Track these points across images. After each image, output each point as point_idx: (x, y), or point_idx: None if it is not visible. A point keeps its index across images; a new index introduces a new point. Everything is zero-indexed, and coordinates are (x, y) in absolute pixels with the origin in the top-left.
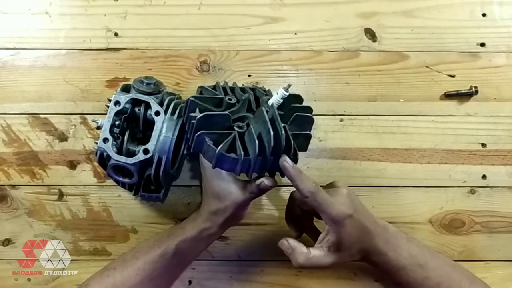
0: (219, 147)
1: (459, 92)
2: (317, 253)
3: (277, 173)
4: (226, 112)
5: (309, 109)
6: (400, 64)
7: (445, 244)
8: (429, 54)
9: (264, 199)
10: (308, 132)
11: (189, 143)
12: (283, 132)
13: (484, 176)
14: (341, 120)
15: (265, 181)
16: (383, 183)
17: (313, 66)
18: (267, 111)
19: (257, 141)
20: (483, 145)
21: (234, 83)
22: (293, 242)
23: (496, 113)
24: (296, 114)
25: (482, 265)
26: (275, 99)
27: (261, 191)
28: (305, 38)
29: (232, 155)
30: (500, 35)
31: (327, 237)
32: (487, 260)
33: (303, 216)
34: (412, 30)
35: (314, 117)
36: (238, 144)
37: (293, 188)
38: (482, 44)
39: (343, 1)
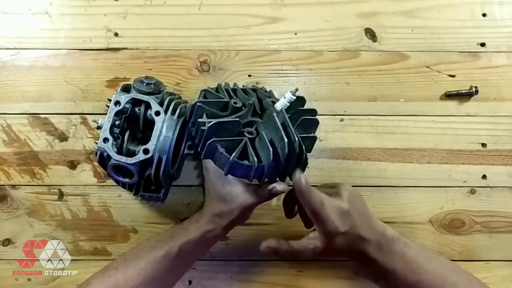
0: (232, 155)
1: (459, 92)
2: (301, 248)
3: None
4: (237, 119)
5: (314, 112)
6: (400, 64)
7: (445, 244)
8: (429, 54)
9: None
10: (314, 135)
11: (199, 149)
12: (296, 138)
13: (484, 176)
14: (341, 120)
15: (277, 186)
16: (383, 183)
17: (313, 66)
18: (277, 116)
19: (271, 148)
20: (483, 145)
21: (235, 84)
22: (272, 242)
23: (496, 113)
24: (303, 117)
25: (482, 265)
26: (283, 102)
27: (272, 195)
28: (305, 38)
29: (246, 162)
30: (500, 35)
31: (315, 241)
32: (487, 260)
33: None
34: (412, 30)
35: None
36: (251, 150)
37: None
38: (482, 44)
39: (343, 1)
